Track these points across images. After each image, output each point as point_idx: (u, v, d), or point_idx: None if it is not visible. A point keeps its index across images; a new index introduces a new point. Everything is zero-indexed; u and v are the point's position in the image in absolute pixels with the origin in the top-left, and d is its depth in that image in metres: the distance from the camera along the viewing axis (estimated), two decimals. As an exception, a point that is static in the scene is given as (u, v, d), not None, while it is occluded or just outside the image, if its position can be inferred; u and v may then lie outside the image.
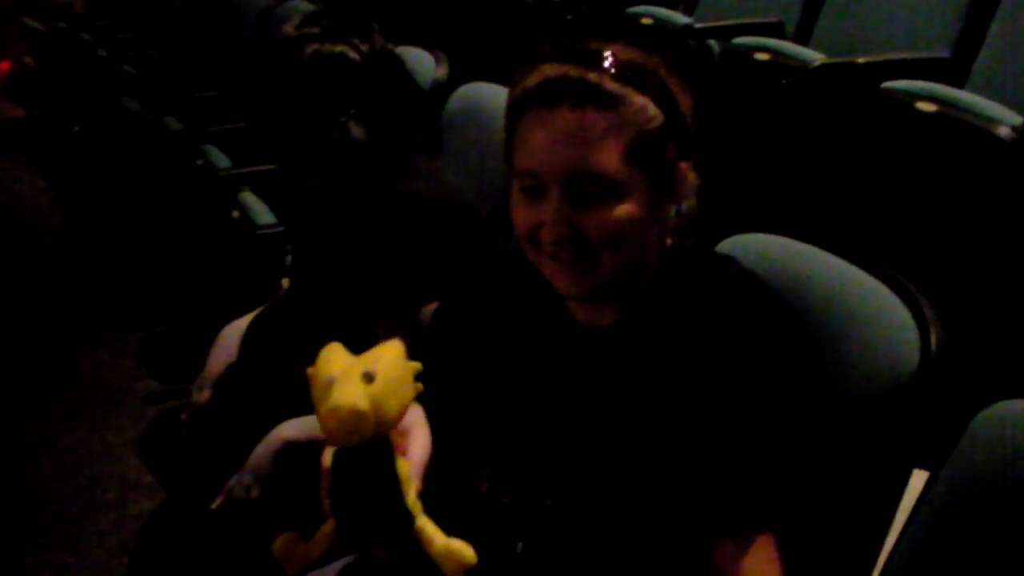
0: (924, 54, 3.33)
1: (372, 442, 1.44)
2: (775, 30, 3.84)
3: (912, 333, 1.68)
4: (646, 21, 3.89)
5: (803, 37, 3.85)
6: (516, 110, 1.58)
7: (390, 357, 1.47)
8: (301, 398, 2.31)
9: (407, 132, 2.42)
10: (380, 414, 1.42)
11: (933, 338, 1.65)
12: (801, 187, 3.19)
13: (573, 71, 1.52)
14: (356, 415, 1.40)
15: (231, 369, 2.54)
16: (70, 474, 3.83)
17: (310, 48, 2.34)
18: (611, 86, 1.52)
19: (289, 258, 2.98)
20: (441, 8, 5.25)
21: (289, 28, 2.40)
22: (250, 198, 3.73)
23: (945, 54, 3.32)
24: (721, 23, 3.91)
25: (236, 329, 2.62)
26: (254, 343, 2.55)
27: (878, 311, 1.74)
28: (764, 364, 1.51)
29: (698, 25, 3.81)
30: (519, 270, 1.79)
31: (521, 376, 1.72)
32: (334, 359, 1.46)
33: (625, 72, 1.53)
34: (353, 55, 2.34)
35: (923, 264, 2.62)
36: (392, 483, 1.47)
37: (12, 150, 7.78)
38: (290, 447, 2.22)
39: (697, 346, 1.54)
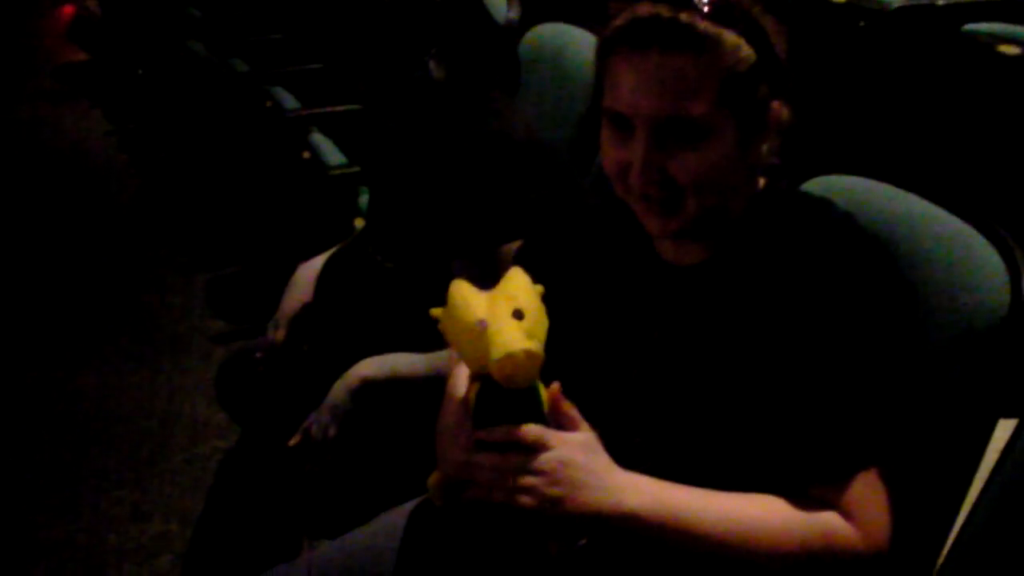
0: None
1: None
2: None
3: (1002, 276, 1.65)
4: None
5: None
6: (606, 48, 1.56)
7: (523, 285, 1.47)
8: (378, 336, 2.34)
9: (486, 71, 2.40)
10: (539, 348, 1.43)
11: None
12: (881, 130, 3.15)
13: (665, 10, 1.49)
14: (533, 358, 1.41)
15: (307, 308, 2.55)
16: (139, 415, 3.86)
17: None
18: (703, 26, 1.48)
19: (363, 198, 2.98)
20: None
21: None
22: (320, 139, 3.73)
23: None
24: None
25: (311, 269, 2.62)
26: (331, 282, 2.55)
27: (966, 254, 1.70)
28: (859, 305, 1.50)
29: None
30: (602, 208, 1.78)
31: (608, 314, 1.72)
32: (472, 300, 1.46)
33: (718, 10, 1.50)
34: None
35: (1009, 208, 2.59)
36: (538, 404, 1.47)
37: (77, 94, 7.82)
38: (369, 385, 2.23)
39: (791, 285, 1.52)
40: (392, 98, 2.38)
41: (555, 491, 1.43)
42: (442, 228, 2.29)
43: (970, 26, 2.84)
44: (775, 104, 1.57)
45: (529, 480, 1.43)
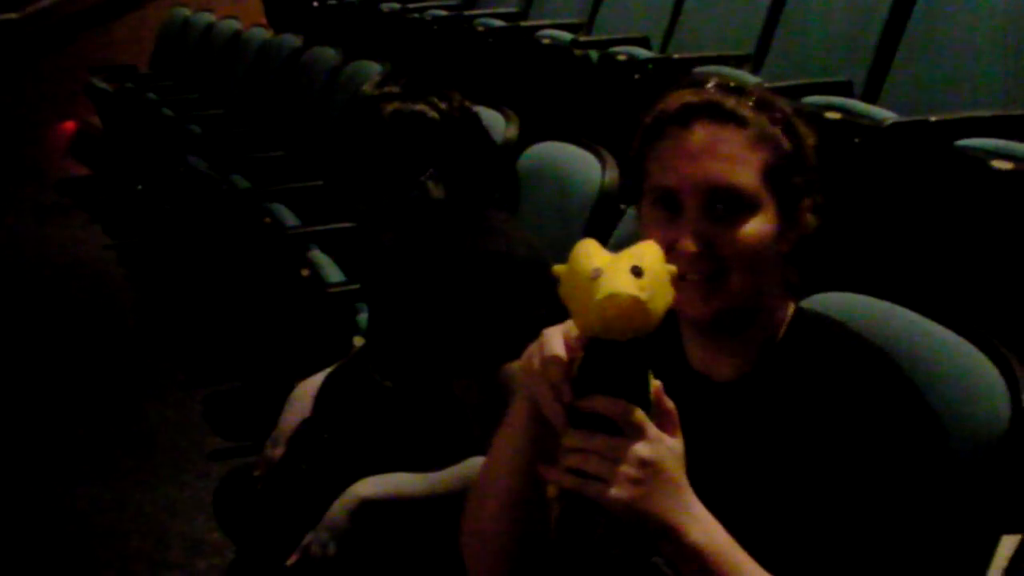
0: (998, 111, 3.30)
1: (636, 340, 1.37)
2: (843, 89, 3.84)
3: (1001, 390, 1.67)
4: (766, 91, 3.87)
5: (871, 96, 3.84)
6: (652, 132, 1.61)
7: (654, 253, 1.39)
8: (377, 456, 2.34)
9: (484, 190, 2.43)
10: (650, 308, 1.35)
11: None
12: (877, 246, 3.17)
13: (712, 96, 1.59)
14: (636, 304, 1.33)
15: (305, 426, 2.55)
16: (136, 531, 3.83)
17: (390, 107, 2.35)
18: (746, 111, 1.57)
19: (362, 316, 2.99)
20: (509, 69, 5.28)
21: (369, 87, 2.42)
22: (319, 256, 3.76)
23: (1020, 110, 3.30)
24: (788, 83, 3.90)
25: (310, 386, 2.62)
26: (329, 400, 2.56)
27: (965, 369, 1.73)
28: (894, 434, 1.51)
29: (765, 85, 3.80)
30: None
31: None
32: (594, 252, 1.39)
33: (760, 101, 1.60)
34: (432, 114, 2.35)
35: (1006, 322, 2.60)
36: (645, 387, 1.40)
37: (77, 208, 7.87)
38: (367, 505, 2.22)
39: (826, 408, 1.54)
40: (391, 217, 2.40)
41: (637, 489, 1.37)
42: (442, 348, 2.29)
43: (963, 141, 2.87)
44: (806, 200, 1.62)
45: (616, 468, 1.36)
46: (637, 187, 1.65)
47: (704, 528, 1.42)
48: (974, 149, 2.86)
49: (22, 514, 3.96)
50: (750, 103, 1.59)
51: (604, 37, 5.02)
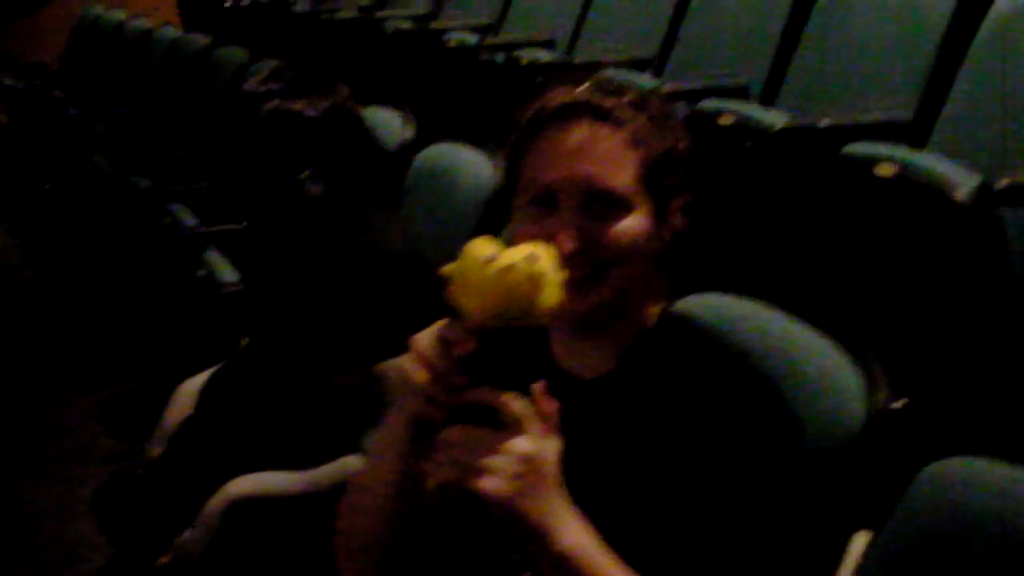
0: (887, 116, 3.35)
1: (527, 332, 1.36)
2: (740, 92, 3.87)
3: (858, 392, 1.69)
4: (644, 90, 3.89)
5: (769, 99, 3.88)
6: (530, 130, 1.61)
7: (548, 252, 1.38)
8: (253, 454, 2.33)
9: (366, 189, 2.42)
10: (541, 295, 1.34)
11: (879, 397, 1.66)
12: (763, 248, 3.20)
13: (590, 96, 1.59)
14: (532, 277, 1.33)
15: (186, 425, 2.53)
16: (26, 532, 3.80)
17: (269, 105, 2.34)
18: (623, 111, 1.58)
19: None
20: (410, 69, 5.28)
21: (252, 83, 2.41)
22: (215, 257, 3.73)
23: (908, 115, 3.35)
24: (687, 87, 3.93)
25: (192, 385, 2.62)
26: (210, 399, 2.55)
27: (826, 370, 1.75)
28: (748, 433, 1.53)
29: (665, 88, 3.83)
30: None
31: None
32: (488, 245, 1.36)
33: (637, 103, 1.60)
34: (311, 112, 2.35)
35: (879, 324, 2.64)
36: (529, 384, 1.37)
37: (-17, 207, 7.79)
38: (240, 503, 2.22)
39: (686, 410, 1.55)
40: (273, 215, 2.39)
41: (516, 484, 1.34)
42: (321, 344, 2.29)
43: (850, 147, 2.90)
44: (678, 200, 1.63)
45: (496, 461, 1.33)
46: (511, 184, 1.65)
47: (573, 532, 1.40)
48: (860, 155, 2.88)
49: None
50: (627, 103, 1.59)
51: (510, 39, 5.03)
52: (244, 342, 2.67)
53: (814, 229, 3.02)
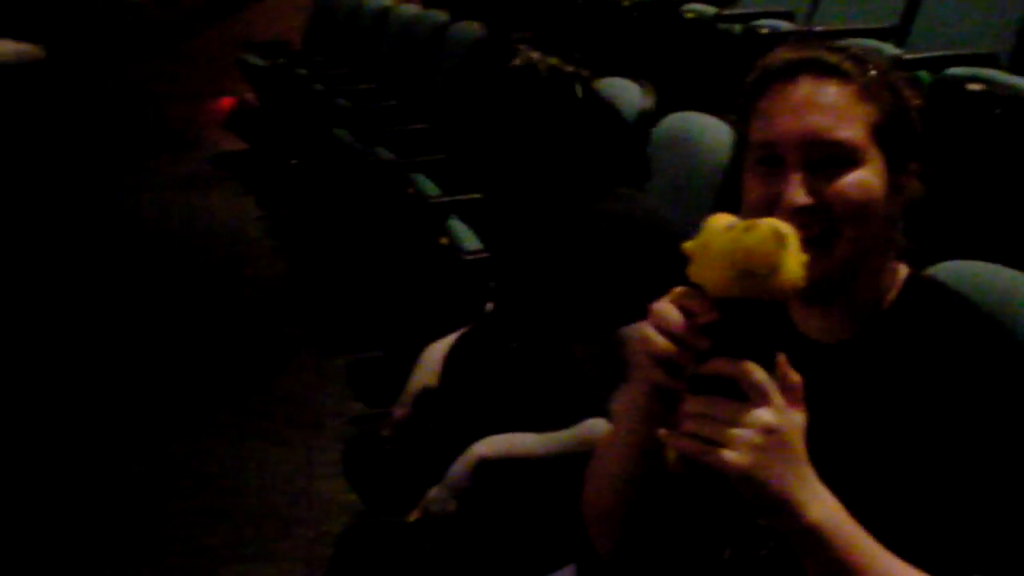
0: None
1: (772, 304, 1.32)
2: (988, 61, 3.76)
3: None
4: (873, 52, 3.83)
5: (1019, 68, 3.75)
6: (755, 90, 1.59)
7: (791, 230, 1.34)
8: (499, 416, 2.37)
9: (614, 161, 2.44)
10: (787, 268, 1.31)
11: None
12: (1011, 216, 3.11)
13: (815, 52, 1.57)
14: (776, 232, 1.30)
15: (433, 387, 2.59)
16: (273, 490, 3.95)
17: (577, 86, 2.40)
18: (849, 66, 1.56)
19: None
20: (648, 42, 5.27)
21: (544, 64, 2.45)
22: (458, 225, 3.80)
23: None
24: (932, 54, 3.84)
25: (438, 349, 2.67)
26: (457, 363, 2.59)
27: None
28: (1006, 403, 1.48)
29: (908, 56, 3.75)
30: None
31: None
32: (725, 217, 1.36)
33: (862, 59, 1.58)
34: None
35: None
36: (773, 355, 1.35)
37: (233, 180, 8.05)
38: (487, 463, 2.26)
39: (937, 375, 1.51)
40: (519, 185, 2.42)
41: (758, 456, 1.30)
42: (563, 310, 2.31)
43: None
44: (913, 164, 1.60)
45: (738, 432, 1.30)
46: (742, 149, 1.64)
47: (824, 505, 1.36)
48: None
49: (163, 470, 4.13)
50: (854, 59, 1.57)
51: (748, 11, 4.98)
52: (489, 307, 2.71)
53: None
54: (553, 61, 2.43)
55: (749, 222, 1.33)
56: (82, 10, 9.37)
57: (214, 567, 3.52)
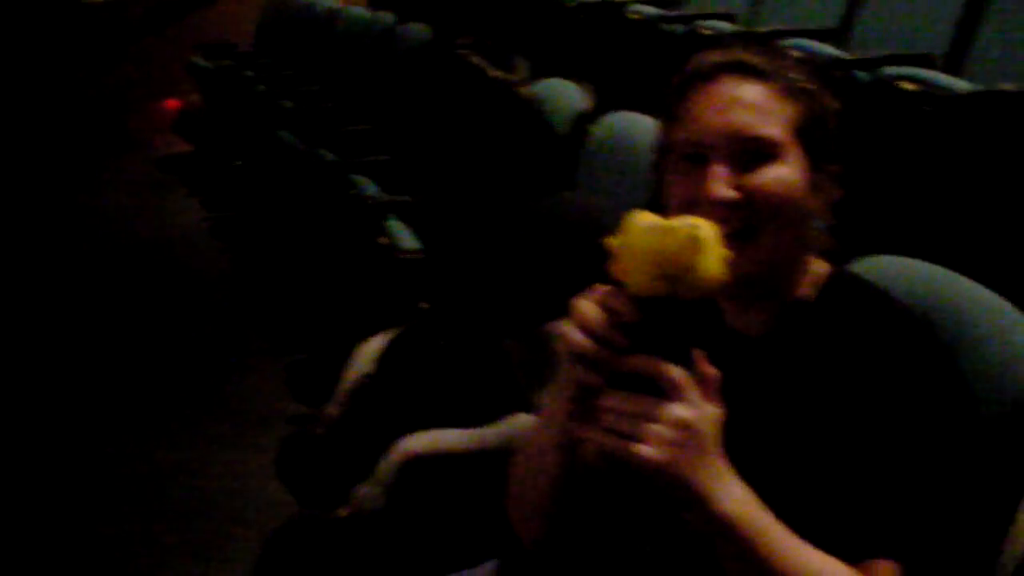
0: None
1: (691, 303, 1.33)
2: (924, 61, 3.79)
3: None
4: (796, 55, 3.86)
5: (954, 68, 3.79)
6: (680, 91, 1.61)
7: (710, 226, 1.35)
8: (428, 413, 2.38)
9: (539, 163, 2.45)
10: (706, 268, 1.33)
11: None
12: (939, 214, 3.14)
13: (738, 54, 1.59)
14: (692, 236, 1.31)
15: (365, 384, 2.59)
16: (216, 492, 3.95)
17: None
18: (771, 67, 1.59)
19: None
20: (591, 42, 5.29)
21: (491, 71, 2.46)
22: (397, 225, 3.80)
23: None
24: (869, 55, 3.87)
25: (371, 347, 2.67)
26: (389, 360, 2.60)
27: (1002, 331, 1.71)
28: (920, 395, 1.50)
29: (846, 57, 3.78)
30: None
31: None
32: (646, 216, 1.35)
33: (784, 60, 1.61)
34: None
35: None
36: (690, 352, 1.36)
37: (178, 183, 8.02)
38: (415, 459, 2.26)
39: (855, 367, 1.53)
40: (452, 188, 2.44)
41: (673, 451, 1.32)
42: (491, 307, 2.32)
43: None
44: (832, 165, 1.62)
45: (653, 428, 1.32)
46: (664, 151, 1.64)
47: (734, 497, 1.38)
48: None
49: (106, 475, 4.11)
50: (776, 60, 1.60)
51: (691, 12, 5.01)
52: (424, 306, 2.72)
53: (994, 195, 2.96)
54: (482, 65, 2.45)
55: (669, 223, 1.34)
56: (33, 12, 9.31)
57: (161, 566, 3.54)
